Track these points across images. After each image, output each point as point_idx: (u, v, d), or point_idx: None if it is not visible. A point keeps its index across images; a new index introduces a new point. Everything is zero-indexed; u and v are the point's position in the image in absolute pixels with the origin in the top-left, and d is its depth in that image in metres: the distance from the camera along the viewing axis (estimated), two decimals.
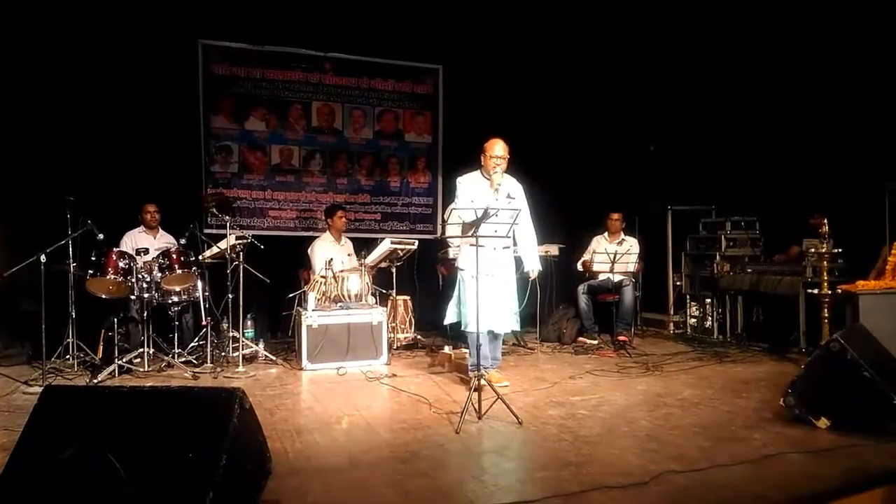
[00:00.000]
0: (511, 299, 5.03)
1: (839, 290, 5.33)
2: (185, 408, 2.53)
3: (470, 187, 5.00)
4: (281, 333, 7.25)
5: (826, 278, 5.35)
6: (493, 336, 5.09)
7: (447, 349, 6.48)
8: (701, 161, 7.93)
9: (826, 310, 5.32)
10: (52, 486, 2.39)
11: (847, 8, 6.14)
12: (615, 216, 7.34)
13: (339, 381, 5.34)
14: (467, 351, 6.07)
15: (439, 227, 8.11)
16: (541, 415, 4.23)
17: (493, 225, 4.63)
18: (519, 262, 5.22)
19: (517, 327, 5.32)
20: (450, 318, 5.10)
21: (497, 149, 4.94)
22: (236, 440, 2.47)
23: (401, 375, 5.51)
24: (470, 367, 4.88)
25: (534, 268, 5.15)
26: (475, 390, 4.07)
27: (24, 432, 2.56)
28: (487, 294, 4.76)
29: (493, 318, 4.88)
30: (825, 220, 6.45)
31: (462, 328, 4.97)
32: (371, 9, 7.34)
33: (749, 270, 6.88)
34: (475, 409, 4.01)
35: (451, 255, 6.70)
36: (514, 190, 5.07)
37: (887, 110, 5.78)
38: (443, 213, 8.06)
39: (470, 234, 4.57)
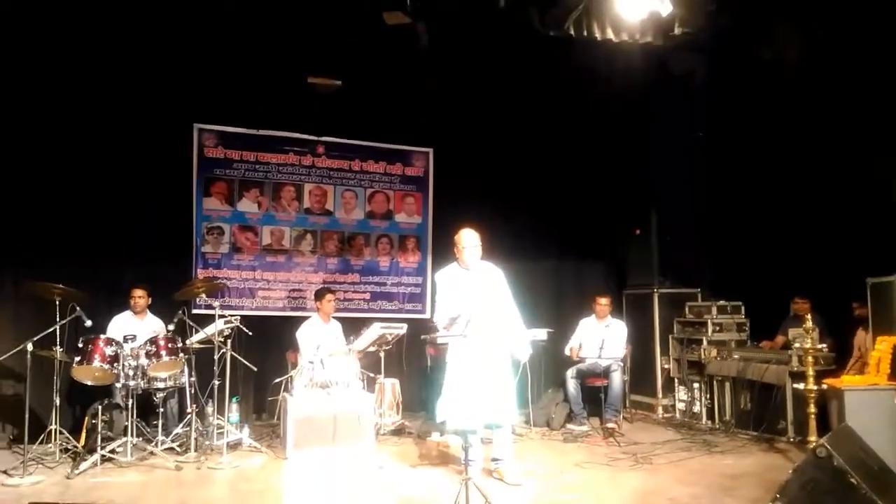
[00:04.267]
0: (506, 389, 4.89)
1: (825, 385, 5.37)
2: None
3: (448, 281, 4.99)
4: (266, 415, 7.17)
5: (812, 373, 5.39)
6: (495, 428, 4.96)
7: (435, 436, 6.42)
8: (687, 243, 8.09)
9: (812, 405, 5.34)
10: None
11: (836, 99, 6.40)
12: (602, 300, 7.40)
13: (324, 473, 5.25)
14: (445, 441, 6.01)
15: (429, 307, 8.13)
16: None
17: (476, 317, 4.65)
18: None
19: (514, 420, 5.22)
20: (442, 416, 4.87)
21: (468, 238, 4.96)
22: None
23: (388, 468, 5.43)
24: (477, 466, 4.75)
25: (522, 353, 5.11)
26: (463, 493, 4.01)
27: None
28: (480, 385, 4.70)
29: (487, 411, 4.74)
30: (808, 306, 6.60)
31: (449, 426, 4.83)
32: (363, 94, 7.56)
33: (736, 357, 6.93)
34: None
35: (440, 341, 6.70)
36: (492, 276, 5.04)
37: (871, 209, 5.96)
38: (433, 293, 8.09)
39: (457, 331, 4.60)
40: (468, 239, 4.95)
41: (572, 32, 6.03)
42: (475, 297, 4.82)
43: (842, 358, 6.34)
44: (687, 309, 7.81)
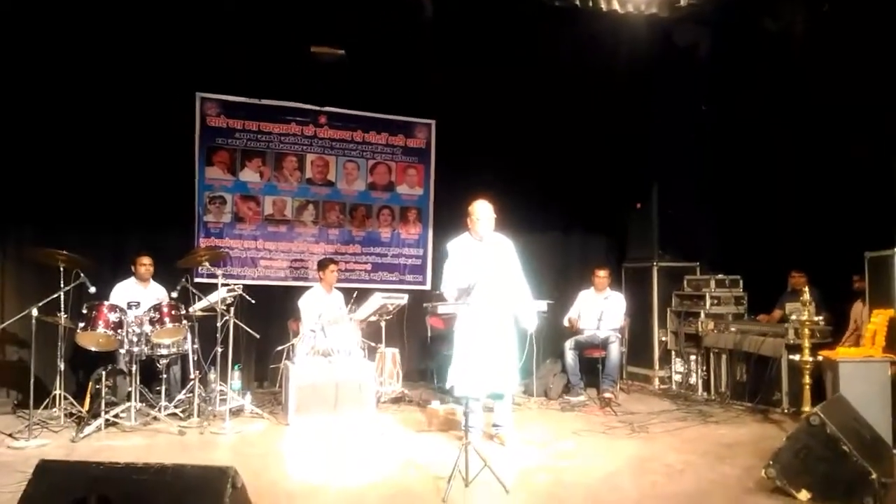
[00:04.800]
0: (510, 359, 5.01)
1: (820, 357, 5.44)
2: (178, 487, 2.57)
3: (460, 251, 5.07)
4: (268, 383, 7.26)
5: (808, 345, 5.45)
6: (497, 397, 5.09)
7: (435, 404, 6.51)
8: (687, 217, 8.13)
9: (807, 376, 5.41)
10: None
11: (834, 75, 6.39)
12: (601, 273, 7.45)
13: (326, 438, 5.34)
14: (453, 408, 6.12)
15: (429, 278, 8.19)
16: (528, 481, 4.26)
17: (486, 287, 4.73)
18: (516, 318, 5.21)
19: (515, 388, 5.31)
20: (450, 382, 4.99)
21: (482, 210, 5.02)
22: None
23: (388, 433, 5.52)
24: (478, 431, 4.83)
25: (530, 324, 5.18)
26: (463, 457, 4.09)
27: None
28: (486, 354, 4.81)
29: (492, 379, 4.87)
30: (805, 279, 6.66)
31: (456, 392, 4.91)
32: (366, 65, 7.54)
33: (733, 329, 6.99)
34: (462, 477, 4.04)
35: (440, 311, 6.76)
36: (504, 247, 5.13)
37: (869, 182, 5.98)
38: (434, 264, 8.15)
39: (464, 301, 4.65)
40: (482, 210, 5.01)
41: (577, 3, 6.01)
42: (486, 267, 4.90)
43: (839, 331, 6.42)
44: (685, 282, 7.87)
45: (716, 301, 7.47)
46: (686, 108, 8.15)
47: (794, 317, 5.92)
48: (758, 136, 7.68)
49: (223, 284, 5.85)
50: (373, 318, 6.75)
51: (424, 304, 7.20)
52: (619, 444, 5.24)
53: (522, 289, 5.18)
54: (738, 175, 7.89)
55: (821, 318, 5.70)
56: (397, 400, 6.72)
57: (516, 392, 6.19)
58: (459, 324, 4.95)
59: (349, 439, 5.32)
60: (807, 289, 5.61)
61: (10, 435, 5.13)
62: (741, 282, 7.62)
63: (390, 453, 4.91)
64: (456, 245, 5.13)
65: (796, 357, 5.71)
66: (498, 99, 7.79)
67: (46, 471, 2.69)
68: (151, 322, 5.63)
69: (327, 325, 6.29)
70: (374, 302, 6.48)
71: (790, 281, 7.16)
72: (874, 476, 3.69)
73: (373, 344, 6.78)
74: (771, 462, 3.99)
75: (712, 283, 7.57)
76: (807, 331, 5.45)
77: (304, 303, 6.66)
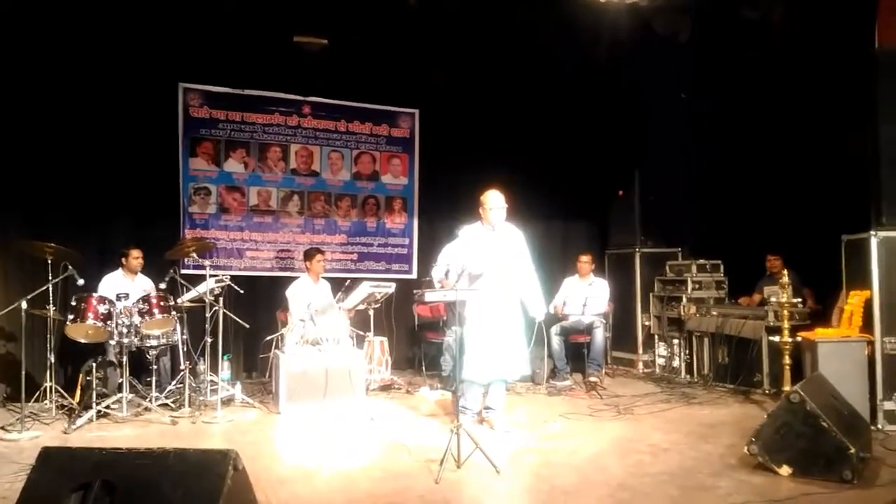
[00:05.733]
0: (519, 343, 5.15)
1: (799, 338, 5.58)
2: (180, 470, 2.62)
3: (474, 239, 5.14)
4: (256, 374, 7.30)
5: (787, 326, 5.59)
6: (500, 382, 5.21)
7: (423, 391, 6.60)
8: (669, 203, 8.25)
9: (787, 356, 5.56)
10: None
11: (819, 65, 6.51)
12: (584, 258, 7.57)
13: (317, 425, 5.40)
14: (447, 394, 6.21)
15: (416, 267, 8.26)
16: (518, 462, 4.36)
17: (497, 275, 4.89)
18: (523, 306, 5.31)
19: (527, 371, 5.43)
20: (451, 367, 5.15)
21: (495, 199, 5.12)
22: (230, 501, 2.57)
23: (379, 419, 5.59)
24: (459, 407, 4.87)
25: (539, 312, 5.30)
26: (454, 439, 4.17)
27: (22, 496, 2.62)
28: (496, 340, 4.94)
29: (502, 365, 5.03)
30: (780, 262, 6.82)
31: (461, 377, 4.87)
32: (350, 54, 7.55)
33: (714, 313, 7.14)
34: (454, 458, 4.13)
35: (427, 299, 6.83)
36: (515, 237, 5.26)
37: (846, 166, 6.11)
38: (420, 254, 8.21)
39: (476, 283, 4.79)
40: (494, 200, 5.12)
41: None
42: (498, 255, 5.02)
43: (825, 314, 6.53)
44: (668, 267, 8.00)
45: (697, 285, 7.62)
46: (668, 95, 8.25)
47: (773, 299, 6.06)
48: (738, 123, 7.80)
49: (211, 275, 5.88)
50: (361, 307, 6.81)
51: (415, 291, 7.23)
52: (606, 426, 5.36)
53: (532, 278, 5.31)
54: (718, 161, 8.01)
55: (799, 300, 5.85)
56: (387, 387, 6.79)
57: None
58: (469, 310, 4.96)
59: (340, 425, 5.39)
60: (785, 272, 5.74)
61: (2, 428, 5.13)
62: (722, 266, 7.76)
63: (382, 438, 4.99)
64: (468, 232, 5.23)
65: (776, 338, 5.85)
66: (480, 88, 7.82)
67: (50, 457, 2.73)
68: (140, 313, 5.65)
69: (316, 314, 6.34)
70: (363, 290, 6.54)
71: (767, 265, 7.32)
72: (852, 451, 3.84)
73: (361, 332, 6.84)
74: (753, 439, 4.12)
75: (694, 268, 7.71)
76: (786, 312, 5.58)
77: (291, 293, 6.70)
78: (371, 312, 6.92)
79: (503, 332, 5.02)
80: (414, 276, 8.17)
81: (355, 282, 6.78)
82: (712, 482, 3.94)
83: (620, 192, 8.55)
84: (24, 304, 5.14)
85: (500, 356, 5.00)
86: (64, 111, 6.54)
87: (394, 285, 6.82)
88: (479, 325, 4.96)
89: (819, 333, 5.42)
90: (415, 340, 7.89)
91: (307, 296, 6.59)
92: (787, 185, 7.34)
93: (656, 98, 8.23)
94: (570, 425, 5.39)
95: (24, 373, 5.23)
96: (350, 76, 7.78)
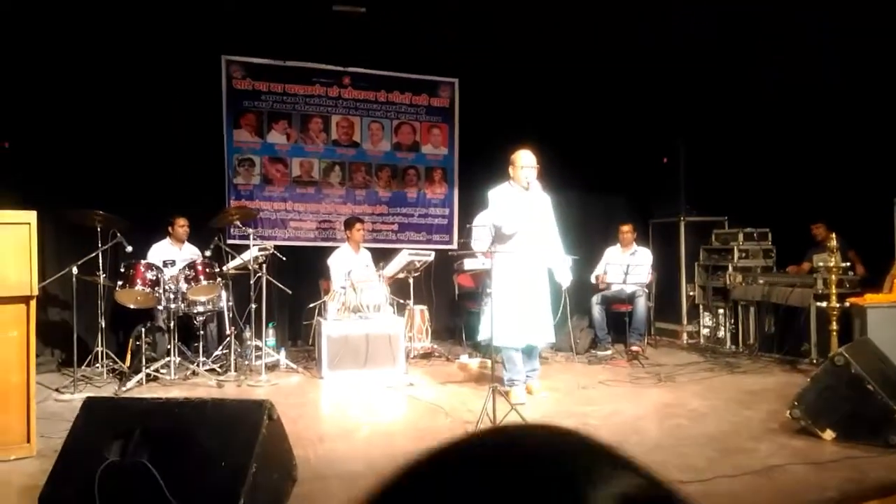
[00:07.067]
0: (547, 310, 5.05)
1: (847, 304, 5.43)
2: (217, 419, 2.70)
3: (504, 199, 5.00)
4: (301, 342, 7.44)
5: (835, 291, 5.43)
6: (531, 348, 5.15)
7: (463, 358, 6.64)
8: (714, 172, 8.05)
9: (835, 322, 5.40)
10: (93, 493, 2.57)
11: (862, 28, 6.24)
12: (626, 228, 7.47)
13: (358, 389, 5.50)
14: (485, 361, 6.22)
15: (455, 238, 8.26)
16: (554, 423, 4.35)
17: (528, 236, 4.80)
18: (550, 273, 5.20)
19: (553, 339, 5.34)
20: (484, 334, 5.02)
21: (526, 158, 4.99)
22: (265, 449, 2.64)
23: (418, 385, 5.66)
24: (506, 382, 4.91)
25: (565, 279, 5.17)
26: (491, 401, 4.19)
27: (67, 442, 2.75)
28: (525, 306, 4.84)
29: (531, 331, 4.93)
30: (825, 229, 6.62)
31: (493, 343, 4.79)
32: (388, 23, 7.54)
33: (761, 281, 6.98)
34: (490, 420, 4.15)
35: (466, 267, 6.86)
36: (545, 200, 5.17)
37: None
38: (460, 224, 8.21)
39: (506, 245, 4.70)
40: (525, 158, 4.99)
41: None
42: (529, 216, 4.90)
43: (868, 280, 6.35)
44: (713, 236, 7.85)
45: (744, 254, 7.45)
46: (714, 64, 8.02)
47: (821, 264, 5.89)
48: (785, 89, 7.54)
49: (254, 244, 6.00)
50: (401, 275, 6.87)
51: (454, 260, 7.24)
52: (645, 393, 5.32)
53: (558, 244, 5.21)
54: (764, 128, 7.78)
55: (847, 264, 5.66)
56: (427, 355, 6.85)
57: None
58: (497, 273, 4.86)
59: (380, 390, 5.47)
60: (833, 235, 5.56)
61: (56, 390, 5.36)
62: (769, 234, 7.57)
63: (420, 401, 5.05)
64: (498, 193, 5.05)
65: (823, 304, 5.69)
66: (520, 57, 7.74)
67: (93, 407, 2.85)
68: (187, 280, 5.80)
69: (357, 282, 6.42)
70: (402, 258, 6.59)
71: (813, 233, 7.10)
72: None
73: (401, 301, 6.90)
74: (795, 403, 4.03)
75: (740, 237, 7.54)
76: (833, 277, 5.42)
77: (333, 261, 6.79)
78: (411, 281, 6.98)
79: (534, 297, 4.91)
80: (455, 246, 8.16)
81: (394, 252, 6.83)
82: (752, 445, 3.87)
83: (665, 160, 8.38)
84: (74, 270, 5.32)
85: (531, 321, 4.89)
86: (112, 86, 6.71)
87: (433, 254, 6.85)
88: (509, 288, 4.85)
89: (869, 299, 5.27)
90: (455, 310, 7.92)
91: (348, 264, 6.67)
92: (836, 151, 7.08)
93: (702, 66, 7.99)
94: (609, 391, 5.37)
95: (75, 337, 5.44)
96: (389, 46, 7.77)
